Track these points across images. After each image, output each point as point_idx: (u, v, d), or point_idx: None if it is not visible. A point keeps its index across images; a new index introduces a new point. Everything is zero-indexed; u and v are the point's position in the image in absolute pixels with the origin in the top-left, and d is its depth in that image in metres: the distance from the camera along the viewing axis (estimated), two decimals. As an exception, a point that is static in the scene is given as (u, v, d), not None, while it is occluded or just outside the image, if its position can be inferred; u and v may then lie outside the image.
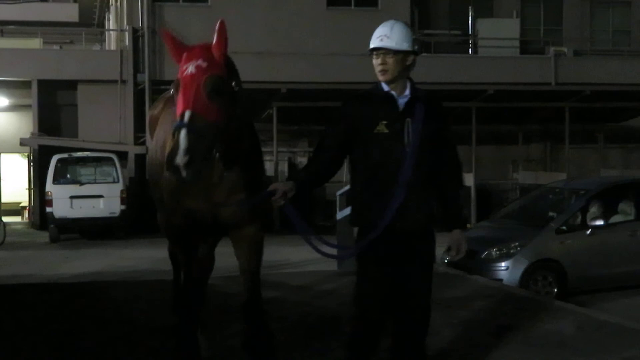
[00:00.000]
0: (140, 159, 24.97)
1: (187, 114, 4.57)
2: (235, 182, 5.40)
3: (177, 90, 4.80)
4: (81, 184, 21.92)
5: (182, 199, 5.47)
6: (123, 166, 23.35)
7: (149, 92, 25.64)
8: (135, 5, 26.75)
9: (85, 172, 22.32)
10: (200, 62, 4.77)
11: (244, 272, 5.78)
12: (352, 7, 27.67)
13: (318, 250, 4.90)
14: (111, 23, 28.60)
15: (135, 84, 26.33)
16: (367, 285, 4.81)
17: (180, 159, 4.42)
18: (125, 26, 26.95)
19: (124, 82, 26.34)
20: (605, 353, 7.16)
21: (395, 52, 4.72)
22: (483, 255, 12.73)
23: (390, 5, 27.15)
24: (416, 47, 4.86)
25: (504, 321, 8.70)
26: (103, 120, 25.95)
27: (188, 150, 4.45)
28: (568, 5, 30.70)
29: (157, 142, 6.49)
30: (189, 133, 4.49)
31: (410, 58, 4.81)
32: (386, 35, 4.73)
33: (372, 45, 4.80)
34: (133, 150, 25.44)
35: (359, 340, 4.87)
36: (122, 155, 24.32)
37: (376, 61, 4.79)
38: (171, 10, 27.01)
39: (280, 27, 26.51)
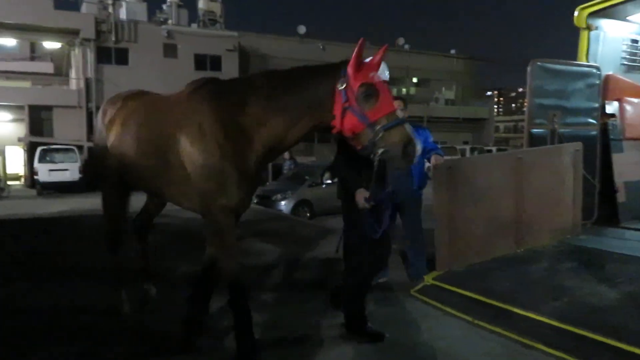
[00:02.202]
0: (90, 149, 23.51)
1: (399, 112, 3.17)
2: None
3: (376, 92, 3.04)
4: (55, 162, 20.16)
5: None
6: (80, 153, 21.71)
7: (95, 113, 23.80)
8: (86, 65, 24.92)
9: (58, 156, 20.37)
10: (376, 73, 3.10)
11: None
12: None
13: (368, 233, 3.59)
14: (73, 73, 26.39)
15: (87, 108, 24.51)
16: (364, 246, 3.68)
17: (420, 148, 3.01)
18: (81, 76, 24.96)
19: (80, 107, 24.51)
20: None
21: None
22: (273, 198, 12.96)
23: (230, 73, 26.47)
24: None
25: (286, 229, 8.75)
26: (68, 128, 24.08)
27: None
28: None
29: (130, 135, 3.73)
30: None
31: None
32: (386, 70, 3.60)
33: (387, 78, 3.52)
34: (86, 144, 23.57)
35: (363, 275, 3.79)
36: (80, 147, 22.62)
37: None
38: (108, 68, 25.16)
39: (173, 77, 24.84)
